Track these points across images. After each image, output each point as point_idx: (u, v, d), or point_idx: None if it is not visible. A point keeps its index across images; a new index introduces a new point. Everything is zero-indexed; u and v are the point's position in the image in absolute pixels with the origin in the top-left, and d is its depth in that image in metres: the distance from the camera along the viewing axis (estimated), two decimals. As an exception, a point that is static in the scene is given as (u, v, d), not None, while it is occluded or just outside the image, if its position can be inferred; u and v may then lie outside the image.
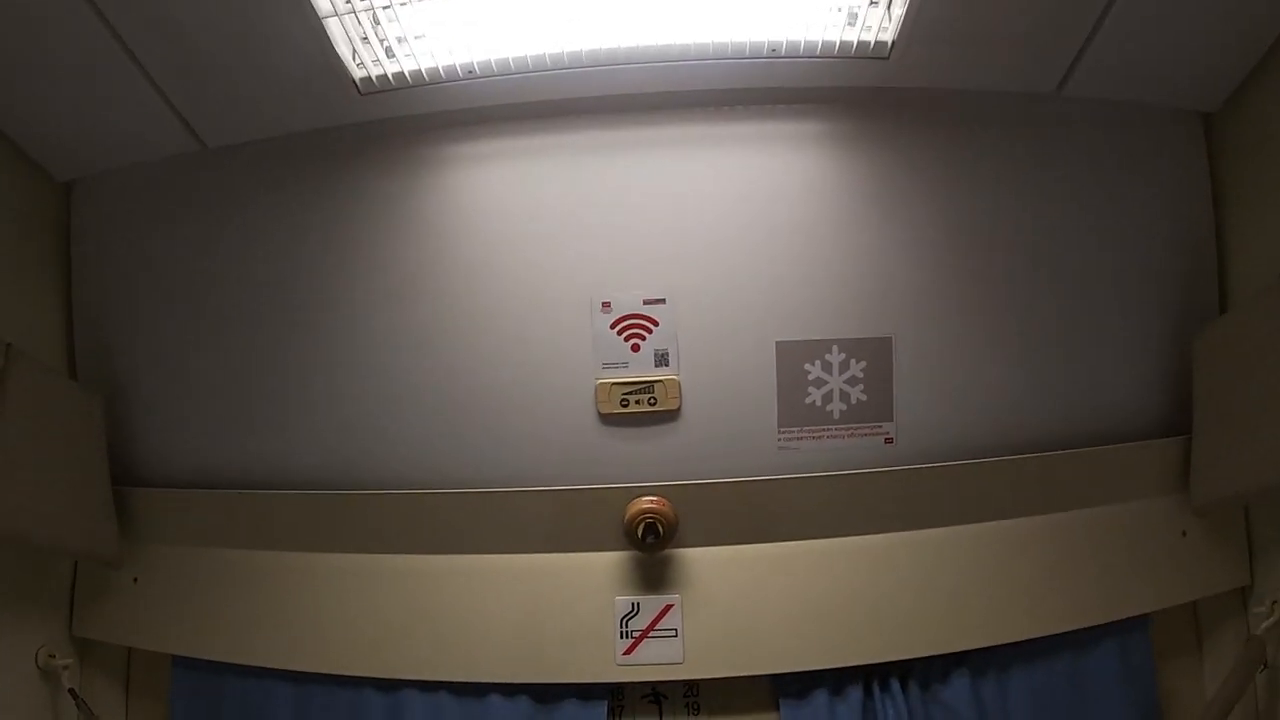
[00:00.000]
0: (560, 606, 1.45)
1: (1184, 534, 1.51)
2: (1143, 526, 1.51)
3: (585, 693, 1.46)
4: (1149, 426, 1.54)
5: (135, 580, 1.54)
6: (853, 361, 1.49)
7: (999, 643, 1.47)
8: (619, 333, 1.47)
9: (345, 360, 1.51)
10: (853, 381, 1.49)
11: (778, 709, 1.47)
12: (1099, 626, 1.49)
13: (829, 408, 1.49)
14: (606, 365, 1.47)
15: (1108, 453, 1.51)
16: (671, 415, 1.46)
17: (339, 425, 1.52)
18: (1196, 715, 1.46)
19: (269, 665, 1.49)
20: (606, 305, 1.47)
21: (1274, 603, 1.43)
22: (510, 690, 1.46)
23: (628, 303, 1.47)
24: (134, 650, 1.59)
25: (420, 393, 1.50)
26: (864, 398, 1.49)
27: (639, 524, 1.39)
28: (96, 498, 1.45)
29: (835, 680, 1.46)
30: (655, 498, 1.41)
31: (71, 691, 1.47)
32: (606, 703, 1.46)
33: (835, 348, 1.48)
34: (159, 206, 1.55)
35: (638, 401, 1.45)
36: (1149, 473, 1.51)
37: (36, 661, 1.45)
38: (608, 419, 1.47)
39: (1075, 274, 1.51)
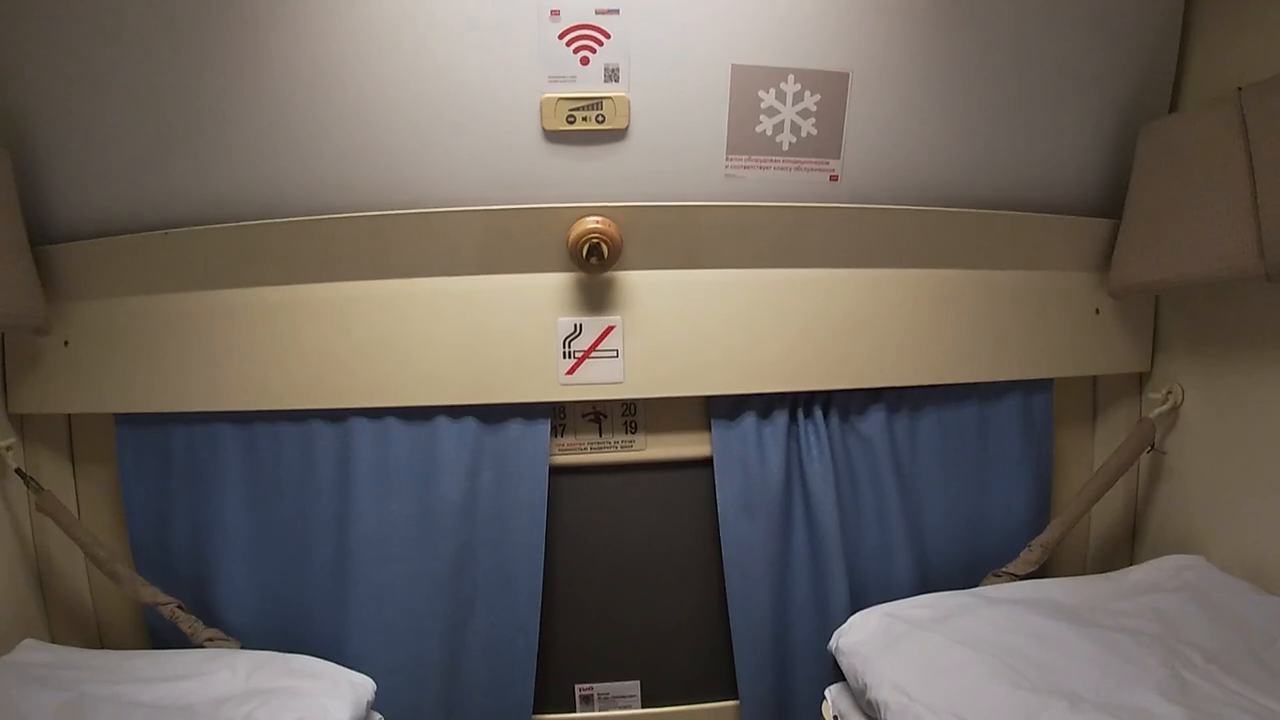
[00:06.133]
0: (505, 327, 1.47)
1: (1097, 312, 1.62)
2: (1061, 296, 1.61)
3: (529, 412, 1.52)
4: (1084, 204, 1.60)
5: (66, 344, 1.47)
6: (807, 93, 1.45)
7: (916, 384, 1.58)
8: (568, 44, 1.37)
9: (264, 75, 1.37)
10: (805, 114, 1.46)
11: (709, 429, 1.57)
12: (1007, 382, 1.62)
13: (779, 138, 1.46)
14: (553, 79, 1.38)
15: (1041, 221, 1.57)
16: (619, 134, 1.41)
17: (261, 150, 1.41)
18: (1084, 479, 1.64)
19: (213, 409, 1.48)
20: (555, 13, 1.36)
21: (1168, 392, 1.58)
22: (457, 412, 1.50)
23: (578, 11, 1.36)
24: (74, 417, 1.55)
25: (349, 109, 1.39)
26: (814, 131, 1.47)
27: (584, 244, 1.38)
28: (15, 261, 1.35)
29: (764, 405, 1.56)
30: (600, 218, 1.40)
31: (18, 471, 1.45)
32: (549, 421, 1.53)
33: (791, 77, 1.44)
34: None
35: (585, 119, 1.39)
36: (1076, 247, 1.59)
37: None
38: (552, 136, 1.41)
39: (1038, 49, 1.48)
